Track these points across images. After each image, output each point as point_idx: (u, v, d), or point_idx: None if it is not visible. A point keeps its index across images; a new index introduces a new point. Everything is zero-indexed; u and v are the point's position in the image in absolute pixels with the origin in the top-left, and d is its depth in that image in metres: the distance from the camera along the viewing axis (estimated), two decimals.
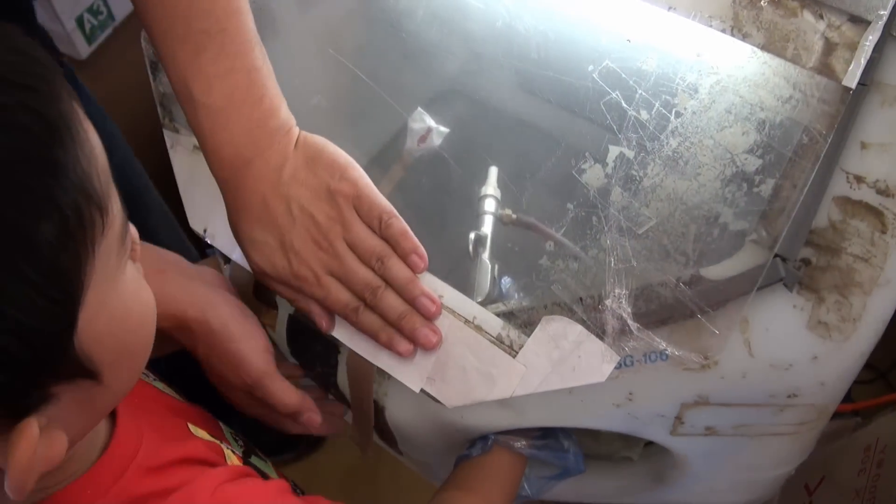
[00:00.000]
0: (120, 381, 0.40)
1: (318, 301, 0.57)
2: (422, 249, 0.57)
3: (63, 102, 0.35)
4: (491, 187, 0.68)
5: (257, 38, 0.56)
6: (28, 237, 0.32)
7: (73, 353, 0.35)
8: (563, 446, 0.65)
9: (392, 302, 0.56)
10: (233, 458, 0.54)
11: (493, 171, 0.70)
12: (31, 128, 0.33)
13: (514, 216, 0.67)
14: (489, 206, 0.67)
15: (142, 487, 0.45)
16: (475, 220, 0.67)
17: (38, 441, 0.34)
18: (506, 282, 0.63)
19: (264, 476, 0.56)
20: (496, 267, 0.63)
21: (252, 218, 0.56)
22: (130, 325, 0.39)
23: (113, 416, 0.47)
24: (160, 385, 0.59)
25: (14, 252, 0.31)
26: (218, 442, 0.55)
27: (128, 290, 0.39)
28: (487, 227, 0.66)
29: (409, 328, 0.56)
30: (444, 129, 0.71)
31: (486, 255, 0.64)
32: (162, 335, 0.59)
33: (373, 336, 0.57)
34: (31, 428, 0.34)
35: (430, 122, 0.71)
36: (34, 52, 0.35)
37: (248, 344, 0.59)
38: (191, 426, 0.54)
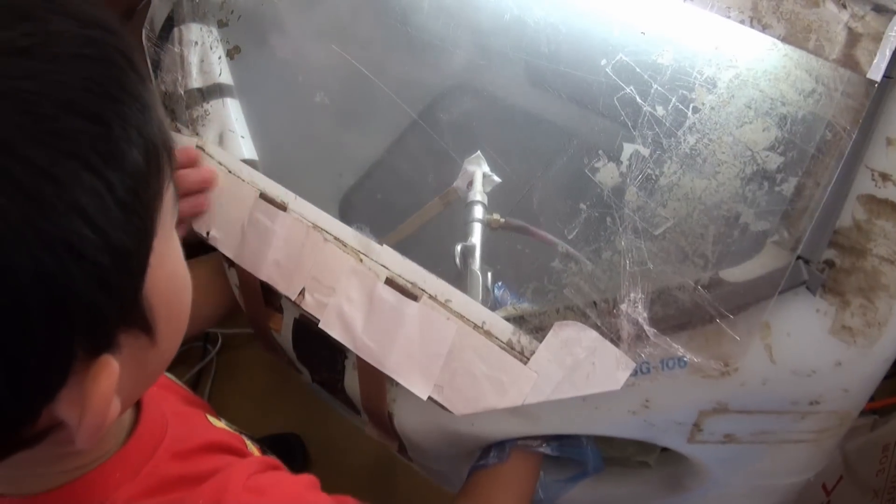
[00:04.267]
0: (168, 344, 0.40)
1: None
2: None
3: (136, 51, 0.36)
4: (477, 193, 0.66)
5: None
6: (122, 158, 0.32)
7: (140, 298, 0.35)
8: (581, 443, 0.63)
9: None
10: (253, 449, 0.54)
11: (478, 176, 0.68)
12: (121, 64, 0.33)
13: (501, 220, 0.65)
14: (477, 213, 0.65)
15: (172, 470, 0.44)
16: (463, 229, 0.65)
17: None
18: (500, 288, 0.61)
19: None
20: (489, 275, 0.61)
21: None
22: (178, 286, 0.40)
23: (137, 401, 0.47)
24: (171, 375, 0.59)
25: (107, 168, 0.31)
26: (239, 432, 0.55)
27: (177, 252, 0.40)
28: (476, 235, 0.64)
29: None
30: (496, 179, 0.69)
31: (476, 266, 0.62)
32: None
33: None
34: (111, 363, 0.34)
35: (485, 167, 0.69)
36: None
37: None
38: (209, 416, 0.54)
